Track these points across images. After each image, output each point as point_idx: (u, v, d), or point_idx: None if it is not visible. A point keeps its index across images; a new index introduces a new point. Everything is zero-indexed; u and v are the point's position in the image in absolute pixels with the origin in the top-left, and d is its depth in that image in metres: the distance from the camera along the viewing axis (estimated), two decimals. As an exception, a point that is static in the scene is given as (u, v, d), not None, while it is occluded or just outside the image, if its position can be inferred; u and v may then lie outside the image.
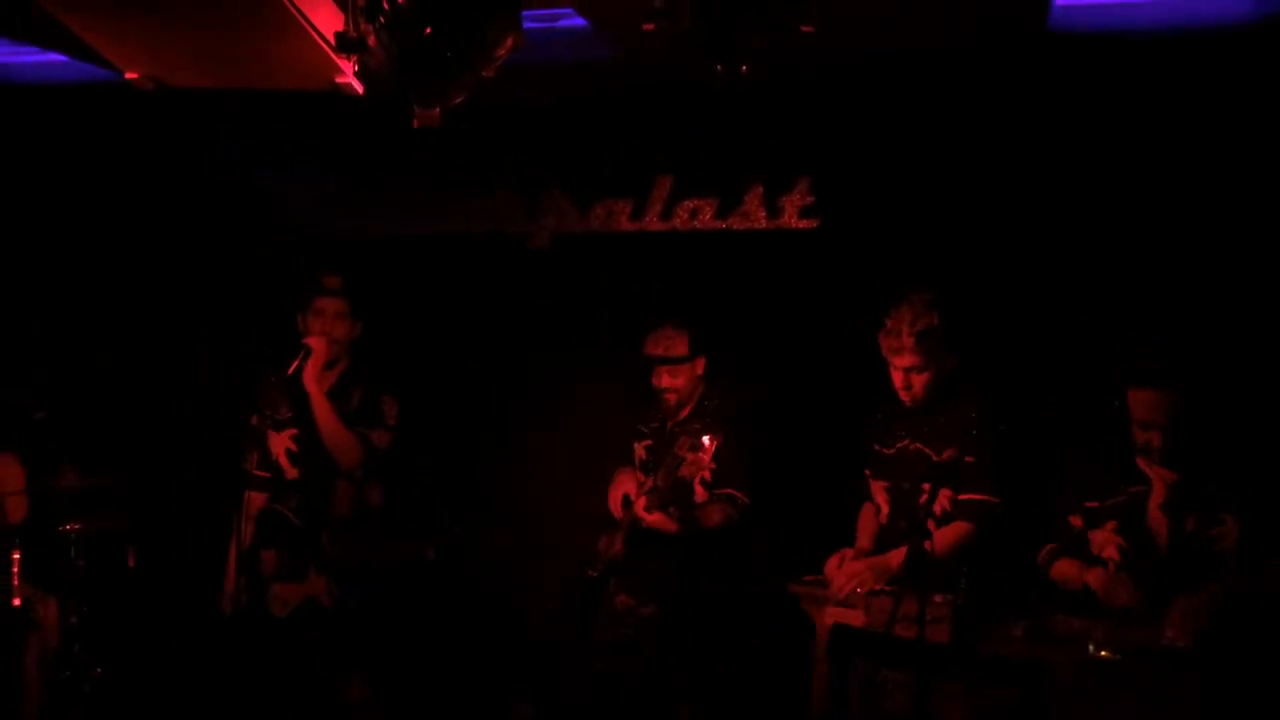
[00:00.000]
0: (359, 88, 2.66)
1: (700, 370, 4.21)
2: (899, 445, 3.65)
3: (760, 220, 4.66)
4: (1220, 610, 2.93)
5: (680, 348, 4.16)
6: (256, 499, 4.08)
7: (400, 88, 2.54)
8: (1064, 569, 3.36)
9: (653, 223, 4.77)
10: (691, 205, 4.74)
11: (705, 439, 3.90)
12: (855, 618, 3.29)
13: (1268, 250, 3.94)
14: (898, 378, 3.55)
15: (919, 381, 3.51)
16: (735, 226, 4.68)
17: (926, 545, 3.20)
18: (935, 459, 3.49)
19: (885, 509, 3.64)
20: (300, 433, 4.06)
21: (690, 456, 3.89)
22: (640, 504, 4.03)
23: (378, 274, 4.75)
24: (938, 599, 3.16)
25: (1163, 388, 3.18)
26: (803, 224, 4.61)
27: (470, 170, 4.92)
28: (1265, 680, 2.78)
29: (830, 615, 3.31)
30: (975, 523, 3.46)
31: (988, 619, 3.21)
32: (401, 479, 4.24)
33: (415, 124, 2.64)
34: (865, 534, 3.73)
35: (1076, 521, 3.37)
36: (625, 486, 4.18)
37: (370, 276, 4.53)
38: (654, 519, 4.01)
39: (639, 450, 4.34)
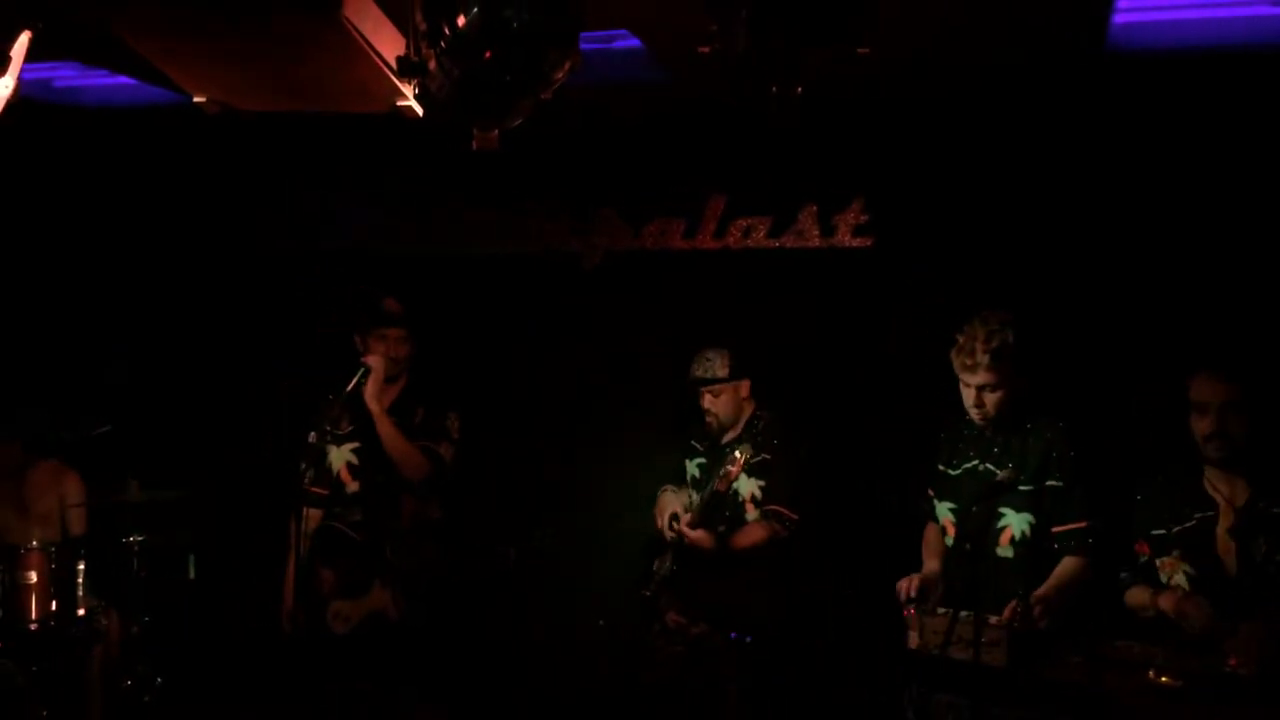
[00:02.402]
0: (419, 111, 2.69)
1: (745, 392, 4.22)
2: (966, 466, 3.61)
3: (814, 239, 4.67)
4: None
5: (720, 370, 4.19)
6: (314, 516, 4.12)
7: (460, 111, 2.57)
8: (1137, 596, 3.30)
9: (705, 241, 4.80)
10: (745, 224, 4.76)
11: (737, 453, 3.92)
12: (909, 640, 3.26)
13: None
14: (969, 395, 3.50)
15: (991, 400, 3.47)
16: (789, 245, 4.69)
17: (1035, 600, 3.18)
18: (998, 477, 3.44)
19: (951, 530, 3.60)
20: (362, 446, 4.10)
21: (721, 471, 3.91)
22: (685, 521, 4.07)
23: (436, 293, 4.82)
24: (993, 621, 3.12)
25: (1220, 370, 3.13)
26: (857, 242, 4.61)
27: (525, 191, 4.97)
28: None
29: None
30: (1084, 555, 3.40)
31: (1046, 643, 3.17)
32: (460, 493, 4.28)
33: (475, 146, 2.67)
34: (932, 554, 3.69)
35: (1143, 549, 3.31)
36: (672, 506, 4.21)
37: (428, 295, 4.60)
38: (695, 536, 4.04)
39: (691, 468, 4.36)
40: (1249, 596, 3.06)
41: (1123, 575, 3.37)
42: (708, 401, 4.22)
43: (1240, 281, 4.02)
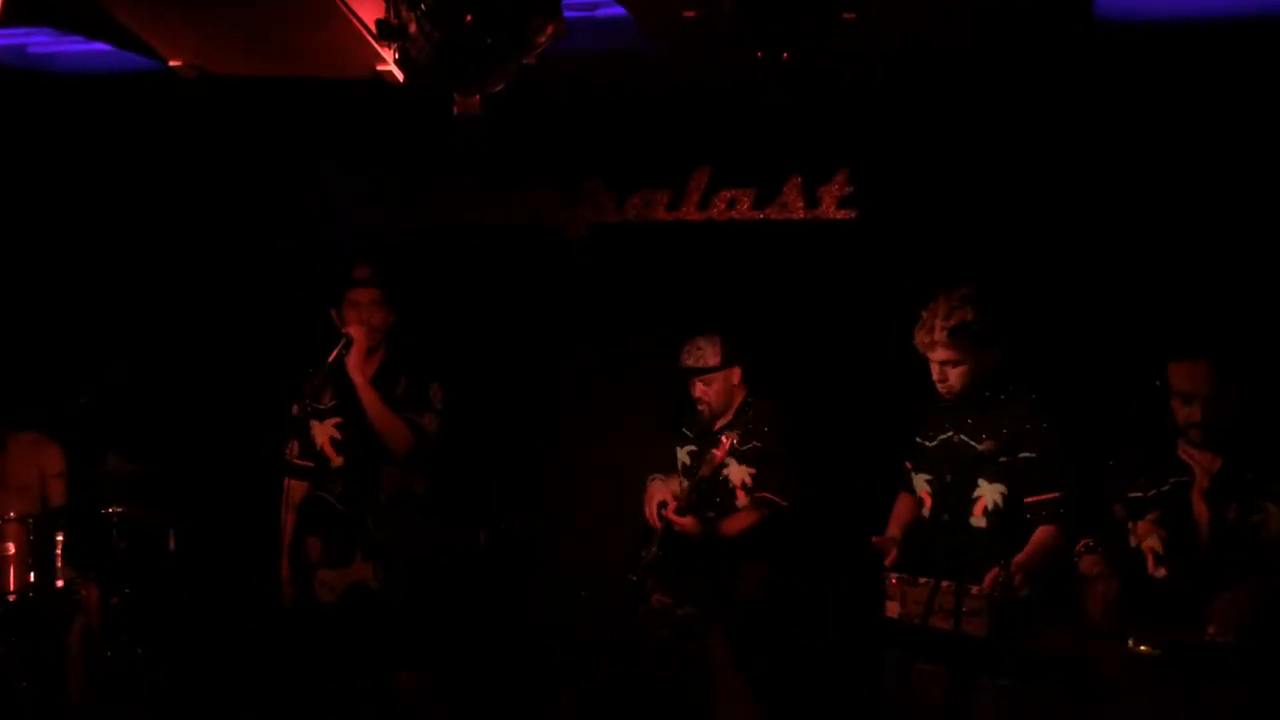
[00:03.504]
0: (400, 76, 2.67)
1: (736, 379, 4.22)
2: (941, 437, 3.63)
3: (798, 211, 4.65)
4: (1262, 604, 2.89)
5: (711, 358, 4.18)
6: (298, 487, 4.11)
7: (441, 75, 2.55)
8: (1084, 564, 3.34)
9: (690, 213, 4.77)
10: (729, 195, 4.74)
11: (722, 438, 3.91)
12: (890, 609, 3.27)
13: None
14: (934, 370, 3.53)
15: (954, 374, 3.49)
16: (773, 217, 4.68)
17: (1016, 567, 3.20)
18: (978, 449, 3.46)
19: (928, 501, 3.62)
20: (345, 421, 4.08)
21: (705, 457, 3.89)
22: (673, 507, 4.08)
23: (418, 265, 4.78)
24: (974, 590, 3.13)
25: (1203, 359, 3.14)
26: (841, 214, 4.59)
27: (507, 161, 4.93)
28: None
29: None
30: (1058, 523, 3.41)
31: (1026, 613, 3.18)
32: (445, 467, 4.27)
33: (456, 111, 2.65)
34: (896, 523, 3.72)
35: (1120, 512, 3.33)
36: (660, 494, 4.22)
37: (411, 267, 4.56)
38: (684, 522, 4.06)
39: (682, 455, 4.34)
40: (1220, 561, 3.09)
41: (1082, 545, 3.39)
42: (699, 390, 4.21)
43: (1225, 262, 4.01)
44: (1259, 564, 3.03)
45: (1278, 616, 2.88)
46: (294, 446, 4.11)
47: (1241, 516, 3.10)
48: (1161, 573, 3.22)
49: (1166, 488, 3.24)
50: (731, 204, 4.74)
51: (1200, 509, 3.18)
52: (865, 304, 4.47)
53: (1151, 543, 3.24)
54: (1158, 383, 3.22)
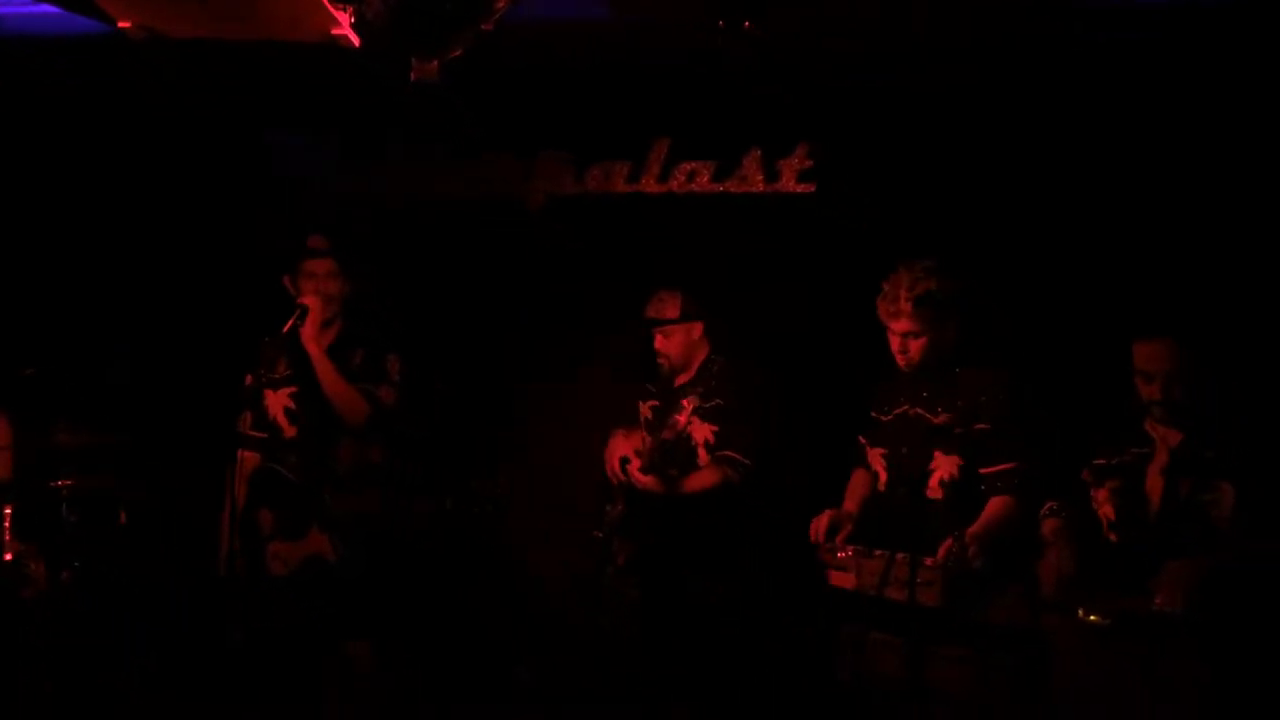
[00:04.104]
0: (355, 40, 2.62)
1: (696, 334, 4.22)
2: (897, 411, 3.65)
3: (758, 184, 4.65)
4: (1210, 577, 2.94)
5: (672, 310, 4.18)
6: (251, 459, 4.06)
7: (398, 40, 2.51)
8: (1045, 525, 3.38)
9: (649, 185, 4.76)
10: (689, 168, 4.73)
11: (684, 401, 3.91)
12: (846, 580, 3.30)
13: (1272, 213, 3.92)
14: (894, 342, 3.54)
15: (915, 347, 3.50)
16: (732, 190, 4.67)
17: (969, 539, 3.22)
18: (934, 421, 3.48)
19: (884, 475, 3.64)
20: (299, 391, 4.04)
21: (669, 419, 3.89)
22: (635, 465, 4.06)
23: (375, 236, 4.73)
24: (928, 562, 3.16)
25: (1165, 338, 3.18)
26: (800, 188, 4.60)
27: (466, 132, 4.88)
28: (1256, 647, 2.80)
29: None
30: (1013, 494, 3.44)
31: (980, 583, 3.22)
32: (401, 437, 4.24)
33: (413, 77, 2.61)
34: (853, 498, 3.73)
35: (1087, 477, 3.38)
36: (622, 449, 4.21)
37: (367, 238, 4.51)
38: (646, 481, 4.05)
39: (644, 410, 4.35)
40: (1169, 534, 3.13)
41: (1047, 508, 3.43)
42: (659, 342, 4.22)
43: (1186, 241, 4.04)
44: (1207, 542, 3.08)
45: (1223, 590, 2.93)
46: (247, 417, 4.07)
47: (1194, 494, 3.15)
48: (1112, 539, 3.28)
49: (1128, 458, 3.29)
50: (691, 176, 4.73)
51: (1155, 482, 3.22)
52: (824, 277, 4.48)
53: (1106, 510, 3.28)
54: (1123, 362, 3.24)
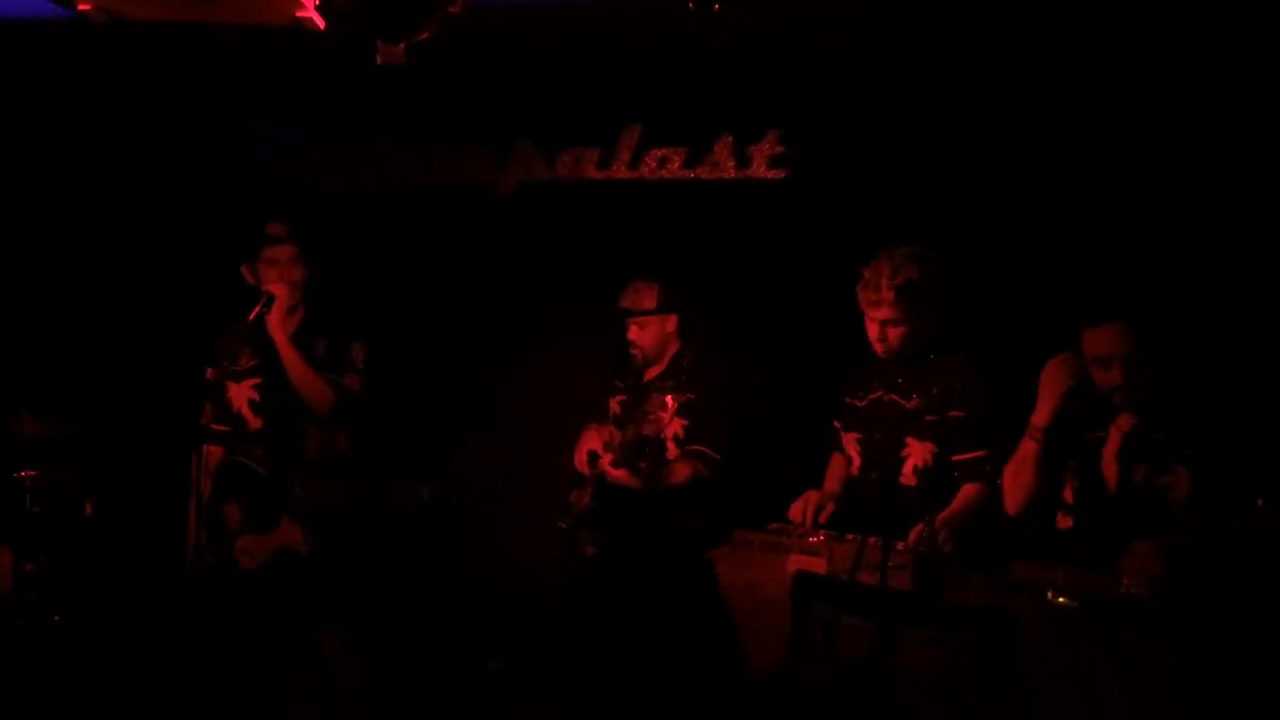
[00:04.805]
0: (320, 22, 2.59)
1: (671, 327, 4.21)
2: (871, 397, 3.66)
3: (729, 170, 4.65)
4: (1172, 559, 2.97)
5: (648, 301, 4.17)
6: (215, 453, 4.02)
7: (364, 23, 2.48)
8: None
9: (620, 171, 4.74)
10: (660, 154, 4.71)
11: (668, 399, 3.91)
12: (818, 565, 3.31)
13: (1225, 201, 3.95)
14: (873, 330, 3.55)
15: (894, 334, 3.51)
16: (703, 176, 4.66)
17: (940, 524, 3.24)
18: (907, 407, 3.49)
19: (856, 460, 3.66)
20: (264, 382, 4.00)
21: (652, 415, 3.90)
22: (607, 459, 4.05)
23: (340, 222, 4.69)
24: (900, 546, 3.18)
25: (1117, 321, 3.19)
26: (771, 174, 4.59)
27: (435, 119, 4.84)
28: (1219, 627, 2.83)
29: (794, 562, 3.33)
30: (985, 481, 3.46)
31: (950, 567, 3.24)
32: (369, 425, 4.22)
33: (379, 61, 2.59)
34: (834, 479, 3.76)
35: None
36: (592, 442, 4.20)
37: (332, 224, 4.48)
38: (619, 475, 4.04)
39: (613, 405, 4.33)
40: (1125, 517, 3.15)
41: None
42: (633, 333, 4.20)
43: (1139, 225, 4.05)
44: (1164, 525, 3.10)
45: (1187, 571, 2.96)
46: (209, 411, 4.02)
47: (1150, 478, 3.17)
48: (1068, 524, 3.30)
49: (1085, 443, 3.30)
50: (662, 163, 4.72)
51: (1110, 467, 3.24)
52: (796, 264, 4.48)
53: (1064, 494, 3.31)
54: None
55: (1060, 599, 2.90)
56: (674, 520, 4.04)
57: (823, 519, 3.50)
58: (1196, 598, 2.87)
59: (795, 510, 3.56)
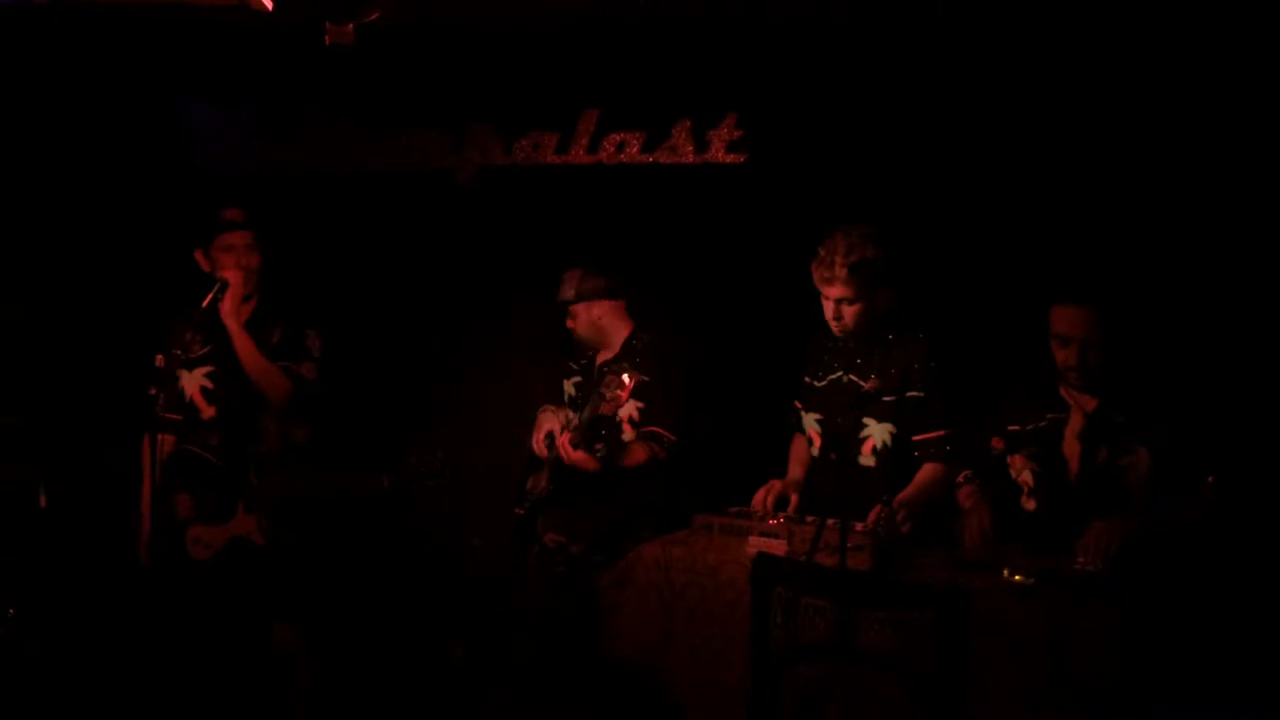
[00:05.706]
0: (268, 3, 2.55)
1: (598, 313, 4.21)
2: (830, 377, 3.67)
3: (688, 155, 4.64)
4: (1130, 537, 3.00)
5: (567, 291, 4.21)
6: (167, 441, 3.97)
7: (312, 2, 2.45)
8: (962, 498, 3.42)
9: (579, 156, 4.73)
10: (618, 139, 4.70)
11: (625, 377, 3.90)
12: (778, 547, 3.31)
13: (1191, 184, 3.98)
14: (828, 308, 3.55)
15: (850, 313, 3.52)
16: (662, 160, 4.66)
17: (898, 505, 3.26)
18: (865, 387, 3.50)
19: (817, 441, 3.67)
20: (217, 370, 3.96)
21: (609, 395, 3.89)
22: (563, 440, 4.03)
23: (297, 211, 4.64)
24: (859, 527, 3.19)
25: (1083, 303, 3.21)
26: (730, 158, 4.59)
27: (390, 103, 4.80)
28: (1174, 605, 2.86)
29: (753, 545, 3.33)
30: (943, 461, 3.48)
31: (908, 547, 3.26)
32: (326, 415, 4.18)
33: (327, 41, 2.55)
34: (797, 464, 3.77)
35: (998, 444, 3.41)
36: (549, 425, 4.18)
37: (289, 213, 4.42)
38: (576, 456, 4.01)
39: (568, 387, 4.34)
40: (1087, 498, 3.18)
41: (962, 477, 3.47)
42: (568, 321, 4.24)
43: (1104, 206, 4.08)
44: (1125, 505, 3.13)
45: (1144, 549, 2.99)
46: (160, 400, 3.95)
47: (1111, 458, 3.20)
48: (1031, 505, 3.33)
49: (1044, 424, 3.33)
50: (621, 147, 4.70)
51: (1072, 447, 3.27)
52: (755, 247, 4.49)
53: (1025, 476, 3.34)
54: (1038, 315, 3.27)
55: (1016, 577, 2.92)
56: (630, 503, 4.03)
57: (789, 511, 3.50)
58: (1148, 576, 2.91)
59: (757, 500, 3.57)
